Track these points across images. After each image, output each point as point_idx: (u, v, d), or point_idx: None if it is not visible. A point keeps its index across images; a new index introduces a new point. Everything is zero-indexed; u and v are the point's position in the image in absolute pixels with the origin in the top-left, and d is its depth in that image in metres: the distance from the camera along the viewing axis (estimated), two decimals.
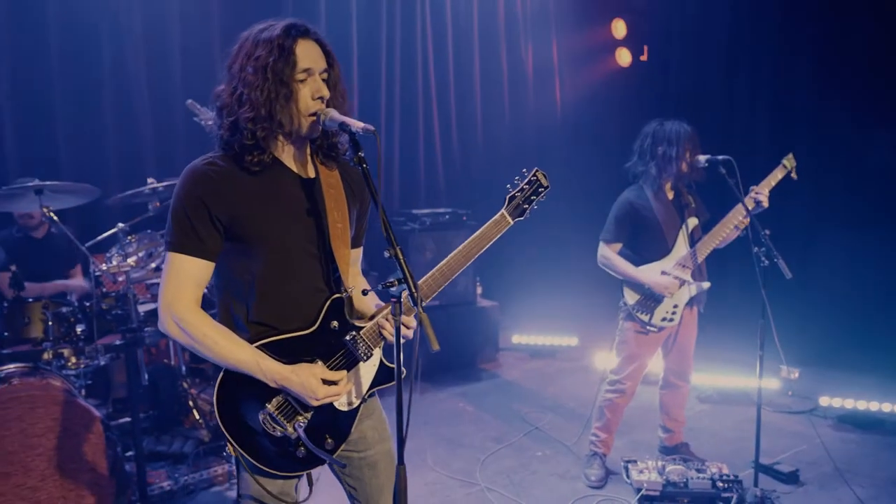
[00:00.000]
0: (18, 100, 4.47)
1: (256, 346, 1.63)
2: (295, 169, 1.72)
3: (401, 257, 1.53)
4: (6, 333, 3.25)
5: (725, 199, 3.34)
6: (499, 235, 1.91)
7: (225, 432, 1.63)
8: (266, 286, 1.65)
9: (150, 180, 3.62)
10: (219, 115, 1.65)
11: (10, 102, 4.44)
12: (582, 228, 4.56)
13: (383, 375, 1.82)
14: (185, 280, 1.59)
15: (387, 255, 1.51)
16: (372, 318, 1.76)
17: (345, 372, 1.70)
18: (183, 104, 3.69)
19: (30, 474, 2.94)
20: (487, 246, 1.90)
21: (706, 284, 3.42)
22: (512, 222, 1.94)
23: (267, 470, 1.67)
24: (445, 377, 5.18)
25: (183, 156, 5.12)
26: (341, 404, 1.73)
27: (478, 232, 1.89)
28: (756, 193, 3.29)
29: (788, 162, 3.38)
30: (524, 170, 2.00)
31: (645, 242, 3.40)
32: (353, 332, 1.72)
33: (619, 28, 7.25)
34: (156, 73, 5.04)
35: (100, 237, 3.70)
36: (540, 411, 4.52)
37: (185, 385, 3.99)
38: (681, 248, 3.38)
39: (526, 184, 1.96)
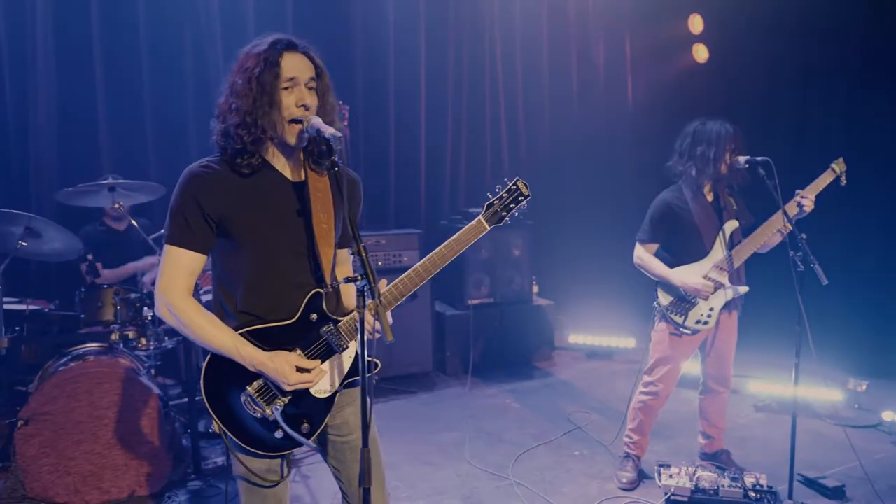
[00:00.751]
0: (113, 100, 4.95)
1: (241, 333, 1.80)
2: (284, 172, 1.87)
3: (364, 254, 1.65)
4: (83, 316, 3.63)
5: (770, 203, 3.25)
6: (475, 240, 1.99)
7: (210, 411, 1.81)
8: (252, 279, 1.82)
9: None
10: (216, 122, 1.83)
11: (105, 104, 4.93)
12: None
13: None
14: (178, 270, 1.78)
15: (350, 252, 1.63)
16: (351, 312, 1.89)
17: (318, 361, 1.84)
18: None
19: (98, 442, 3.29)
20: (462, 250, 1.98)
21: (743, 289, 3.34)
22: (488, 228, 2.01)
23: (249, 449, 1.84)
24: (497, 374, 5.26)
25: None
26: (318, 392, 1.87)
27: (454, 236, 1.96)
28: (801, 197, 3.18)
29: (837, 166, 3.26)
30: (506, 179, 2.06)
31: (681, 244, 3.36)
32: (331, 325, 1.85)
33: (696, 24, 7.03)
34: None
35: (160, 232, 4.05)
36: (586, 412, 4.52)
37: None
38: (718, 251, 3.32)
39: (506, 192, 2.02)
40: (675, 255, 3.38)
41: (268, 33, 1.84)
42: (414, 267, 1.94)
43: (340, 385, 1.91)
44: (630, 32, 7.27)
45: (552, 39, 6.98)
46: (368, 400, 1.66)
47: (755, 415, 4.48)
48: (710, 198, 3.37)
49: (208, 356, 1.81)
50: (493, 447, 3.99)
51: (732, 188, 3.42)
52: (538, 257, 5.71)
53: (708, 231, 3.33)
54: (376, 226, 5.72)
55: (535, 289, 5.65)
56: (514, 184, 2.02)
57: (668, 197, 3.40)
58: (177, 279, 1.78)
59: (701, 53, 7.00)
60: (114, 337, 3.52)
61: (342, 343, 1.86)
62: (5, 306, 3.61)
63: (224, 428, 1.82)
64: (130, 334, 3.54)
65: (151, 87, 5.05)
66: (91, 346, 3.60)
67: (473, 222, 1.99)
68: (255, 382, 1.81)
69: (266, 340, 1.81)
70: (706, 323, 3.31)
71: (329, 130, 1.70)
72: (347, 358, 1.91)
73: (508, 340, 5.42)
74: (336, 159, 1.71)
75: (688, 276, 3.28)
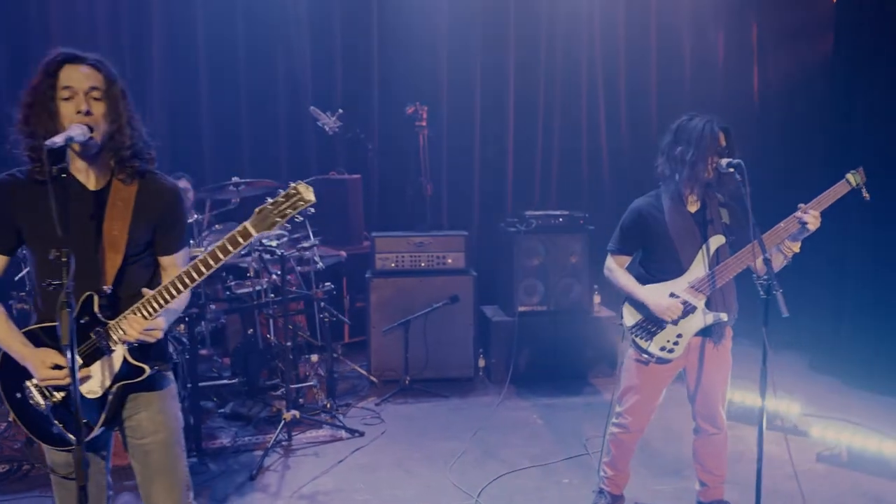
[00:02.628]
0: (213, 100, 5.56)
1: (24, 331, 1.98)
2: (83, 180, 1.99)
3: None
4: None
5: (773, 216, 2.75)
6: (242, 246, 1.93)
7: (5, 402, 2.00)
8: (40, 282, 1.97)
9: (234, 179, 4.21)
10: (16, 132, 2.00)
11: (208, 105, 5.54)
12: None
13: (129, 371, 2.00)
14: None
15: (50, 256, 1.70)
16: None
17: (80, 360, 1.93)
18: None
19: None
20: (227, 257, 1.93)
21: (722, 315, 2.85)
22: (255, 235, 1.93)
23: (37, 440, 2.01)
24: (542, 386, 4.98)
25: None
26: (89, 392, 1.97)
27: (218, 242, 1.93)
28: (802, 212, 2.66)
29: (854, 177, 2.72)
30: (290, 182, 1.97)
31: (654, 258, 2.97)
32: (99, 328, 1.94)
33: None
34: (321, 75, 5.83)
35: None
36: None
37: (278, 362, 4.57)
38: (697, 269, 2.87)
39: (283, 196, 1.93)
40: (649, 270, 2.99)
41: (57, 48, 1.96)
42: (177, 274, 1.95)
43: (111, 386, 1.99)
44: (758, 18, 6.42)
45: (661, 27, 6.41)
46: (77, 399, 1.72)
47: (815, 465, 3.77)
48: (694, 207, 2.93)
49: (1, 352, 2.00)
50: (483, 463, 3.82)
51: (714, 195, 2.93)
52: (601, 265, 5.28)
53: (685, 245, 2.88)
54: (459, 226, 5.77)
55: (597, 299, 5.26)
56: (295, 188, 1.90)
57: (641, 204, 2.99)
58: None
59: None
60: None
61: (108, 346, 1.95)
62: None
63: (17, 418, 2.01)
64: None
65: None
66: None
67: (238, 227, 1.92)
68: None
69: (47, 338, 1.96)
70: (672, 351, 2.89)
71: (59, 139, 1.77)
72: (117, 360, 1.99)
73: (562, 352, 5.11)
74: (62, 167, 1.77)
75: (657, 294, 2.88)
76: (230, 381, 4.48)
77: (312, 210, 3.97)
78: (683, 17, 6.43)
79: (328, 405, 4.40)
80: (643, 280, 2.97)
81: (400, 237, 5.06)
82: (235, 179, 4.22)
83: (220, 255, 1.92)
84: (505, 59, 6.21)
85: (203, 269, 1.93)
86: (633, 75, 6.45)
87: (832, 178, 2.77)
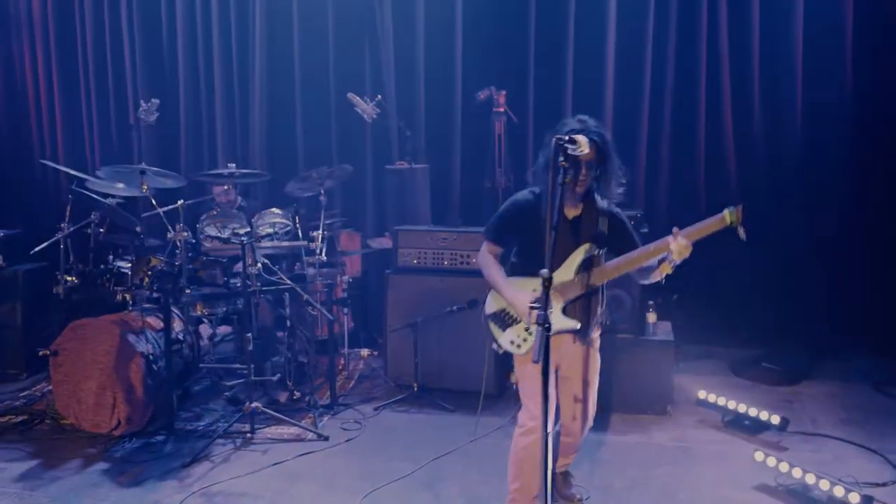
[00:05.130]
0: (269, 99, 5.75)
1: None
2: None
3: None
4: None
5: None
6: None
7: None
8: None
9: (230, 165, 4.24)
10: None
11: (265, 103, 5.74)
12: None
13: None
14: None
15: None
16: None
17: None
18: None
19: (96, 382, 4.02)
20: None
21: (575, 325, 2.80)
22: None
23: None
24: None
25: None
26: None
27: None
28: (673, 238, 2.56)
29: (731, 215, 2.49)
30: None
31: (526, 255, 2.87)
32: None
33: None
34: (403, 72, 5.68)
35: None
36: (599, 491, 3.32)
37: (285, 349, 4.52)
38: (565, 273, 2.78)
39: None
40: (521, 263, 2.90)
41: None
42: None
43: None
44: None
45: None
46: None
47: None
48: (572, 213, 2.81)
49: None
50: (410, 495, 3.32)
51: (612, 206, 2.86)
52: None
53: (557, 248, 2.48)
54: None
55: (652, 318, 4.27)
56: None
57: (520, 199, 2.89)
58: None
59: None
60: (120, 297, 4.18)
61: None
62: None
63: None
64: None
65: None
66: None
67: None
68: None
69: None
70: (519, 346, 2.85)
71: None
72: None
73: (603, 379, 4.24)
74: None
75: (520, 293, 2.74)
76: (228, 366, 4.50)
77: None
78: None
79: (310, 401, 4.23)
80: (515, 270, 2.89)
81: (424, 231, 4.65)
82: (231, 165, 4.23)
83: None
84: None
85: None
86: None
87: None
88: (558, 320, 2.75)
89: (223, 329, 4.96)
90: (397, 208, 5.32)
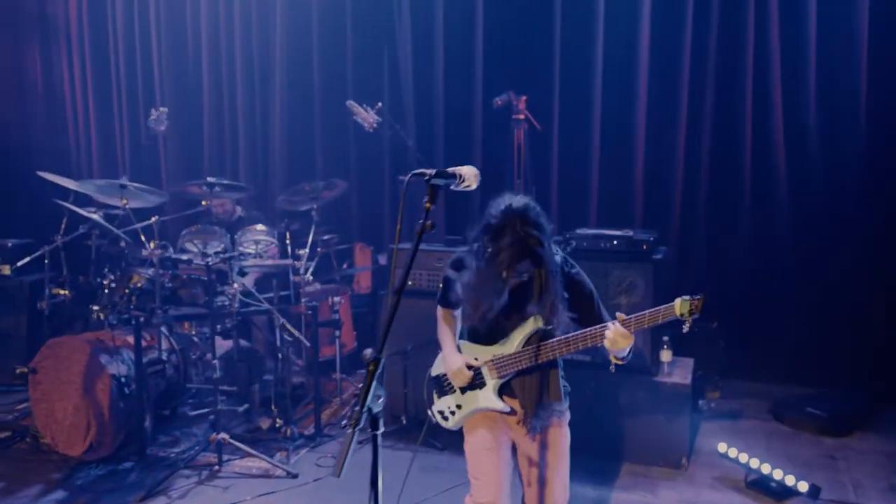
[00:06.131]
0: (289, 109, 5.56)
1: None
2: None
3: None
4: None
5: None
6: None
7: None
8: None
9: (210, 179, 4.02)
10: None
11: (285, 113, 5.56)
12: None
13: None
14: None
15: None
16: None
17: None
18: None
19: (71, 402, 3.89)
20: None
21: (498, 404, 2.43)
22: None
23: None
24: (575, 469, 3.74)
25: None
26: None
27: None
28: (613, 322, 2.30)
29: (683, 305, 2.17)
30: None
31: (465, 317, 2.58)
32: None
33: None
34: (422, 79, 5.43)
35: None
36: None
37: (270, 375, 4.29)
38: (512, 344, 2.42)
39: None
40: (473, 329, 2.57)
41: None
42: None
43: None
44: None
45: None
46: None
47: None
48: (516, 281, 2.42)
49: None
50: None
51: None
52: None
53: (500, 317, 2.42)
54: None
55: (666, 356, 3.75)
56: None
57: (460, 260, 2.62)
58: None
59: None
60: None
61: None
62: None
63: None
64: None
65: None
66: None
67: None
68: None
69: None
70: (447, 419, 2.55)
71: None
72: None
73: (608, 424, 3.78)
74: None
75: (456, 356, 2.50)
76: (203, 386, 4.28)
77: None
78: None
79: (286, 432, 3.97)
80: (469, 335, 2.56)
81: (421, 251, 4.28)
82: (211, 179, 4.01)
83: None
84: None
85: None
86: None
87: None
88: (487, 398, 2.43)
89: (227, 344, 4.79)
90: (409, 221, 5.01)
